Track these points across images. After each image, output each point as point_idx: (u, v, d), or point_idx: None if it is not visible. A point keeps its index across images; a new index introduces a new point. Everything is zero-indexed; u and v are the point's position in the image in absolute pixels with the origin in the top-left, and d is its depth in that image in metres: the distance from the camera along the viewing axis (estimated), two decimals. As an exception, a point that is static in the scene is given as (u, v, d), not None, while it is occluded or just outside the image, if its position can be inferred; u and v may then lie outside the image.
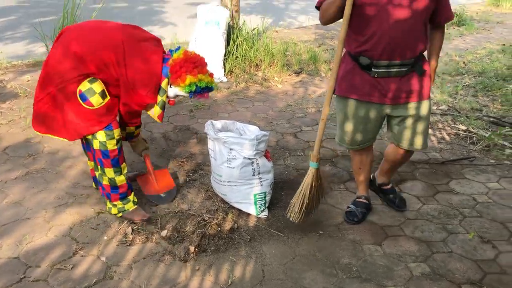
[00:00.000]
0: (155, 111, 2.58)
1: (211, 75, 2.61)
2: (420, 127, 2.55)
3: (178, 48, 2.58)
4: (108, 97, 2.46)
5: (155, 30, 8.45)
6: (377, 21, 2.29)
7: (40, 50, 6.05)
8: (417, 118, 2.52)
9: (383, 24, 2.28)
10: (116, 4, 11.25)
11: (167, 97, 2.59)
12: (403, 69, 2.40)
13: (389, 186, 3.01)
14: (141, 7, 11.33)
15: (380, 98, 2.48)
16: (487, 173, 3.52)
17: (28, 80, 5.00)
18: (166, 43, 6.67)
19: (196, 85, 2.50)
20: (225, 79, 5.53)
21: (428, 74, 2.49)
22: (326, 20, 2.41)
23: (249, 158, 2.70)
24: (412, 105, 2.49)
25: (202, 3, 6.33)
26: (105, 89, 2.44)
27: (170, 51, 2.60)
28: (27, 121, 3.95)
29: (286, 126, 4.34)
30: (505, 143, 4.00)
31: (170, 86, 2.54)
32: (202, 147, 3.77)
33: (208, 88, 2.58)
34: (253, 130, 2.89)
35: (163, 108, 2.58)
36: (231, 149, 2.71)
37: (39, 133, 2.59)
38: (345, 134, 2.67)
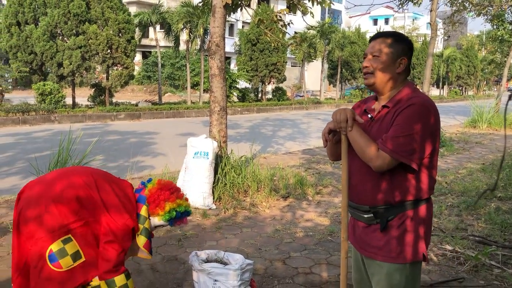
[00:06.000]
0: (139, 241, 2.44)
1: (187, 199, 2.61)
2: None
3: (150, 180, 2.60)
4: (83, 258, 2.25)
5: (146, 161, 8.77)
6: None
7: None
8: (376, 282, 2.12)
9: (350, 154, 2.11)
10: (110, 137, 11.77)
11: (150, 227, 2.51)
12: (363, 216, 2.10)
13: None
14: (133, 139, 11.84)
15: (351, 239, 2.23)
16: (477, 295, 3.48)
17: (19, 215, 5.05)
18: (157, 173, 6.91)
19: (176, 211, 2.49)
20: (213, 206, 5.64)
21: (398, 233, 2.04)
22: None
23: (234, 289, 2.70)
24: (373, 263, 2.13)
25: (192, 134, 6.70)
26: (80, 250, 2.25)
27: (142, 182, 2.61)
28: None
29: (274, 252, 4.35)
30: (493, 262, 4.01)
31: (149, 217, 2.49)
32: (190, 277, 3.73)
33: (187, 212, 2.57)
34: (237, 259, 2.92)
35: (148, 236, 2.46)
36: (215, 280, 2.72)
37: None
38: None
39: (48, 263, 2.16)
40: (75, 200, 2.27)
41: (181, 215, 2.54)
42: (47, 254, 2.17)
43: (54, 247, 2.18)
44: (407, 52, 2.09)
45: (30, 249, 2.20)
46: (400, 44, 2.09)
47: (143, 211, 2.46)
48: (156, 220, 2.50)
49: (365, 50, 2.15)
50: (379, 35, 2.14)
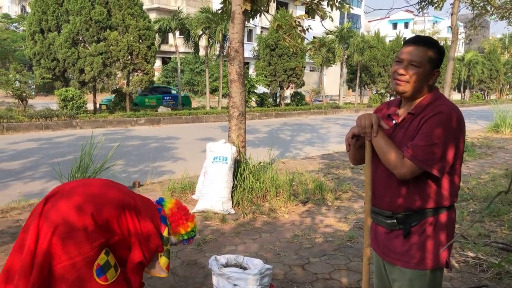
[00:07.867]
0: (161, 262, 2.42)
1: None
2: None
3: (162, 199, 2.59)
4: (119, 270, 2.23)
5: (166, 166, 8.85)
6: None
7: (56, 188, 6.33)
8: None
9: (373, 160, 2.09)
10: (131, 142, 11.92)
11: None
12: (386, 221, 2.08)
13: None
14: (153, 144, 11.95)
15: (373, 245, 2.21)
16: (501, 303, 3.42)
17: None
18: (177, 177, 6.97)
19: (194, 231, 2.56)
20: (232, 211, 5.66)
21: (420, 239, 2.03)
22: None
23: (253, 294, 2.71)
24: (396, 269, 2.10)
25: (211, 139, 6.73)
26: (116, 262, 2.22)
27: (158, 202, 2.59)
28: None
29: (293, 257, 4.34)
30: (517, 270, 3.93)
31: (169, 236, 2.48)
32: (210, 281, 3.75)
33: (195, 234, 2.63)
34: (257, 264, 2.93)
35: (169, 257, 2.46)
36: (235, 285, 2.73)
37: None
38: None
39: (96, 277, 2.09)
40: (119, 210, 2.22)
41: (194, 235, 2.62)
42: (94, 269, 2.09)
43: (101, 260, 2.11)
44: (440, 63, 2.05)
45: (72, 261, 2.06)
46: (439, 56, 2.04)
47: (165, 232, 2.44)
48: (172, 239, 2.52)
49: (399, 53, 2.06)
50: (420, 42, 2.04)
